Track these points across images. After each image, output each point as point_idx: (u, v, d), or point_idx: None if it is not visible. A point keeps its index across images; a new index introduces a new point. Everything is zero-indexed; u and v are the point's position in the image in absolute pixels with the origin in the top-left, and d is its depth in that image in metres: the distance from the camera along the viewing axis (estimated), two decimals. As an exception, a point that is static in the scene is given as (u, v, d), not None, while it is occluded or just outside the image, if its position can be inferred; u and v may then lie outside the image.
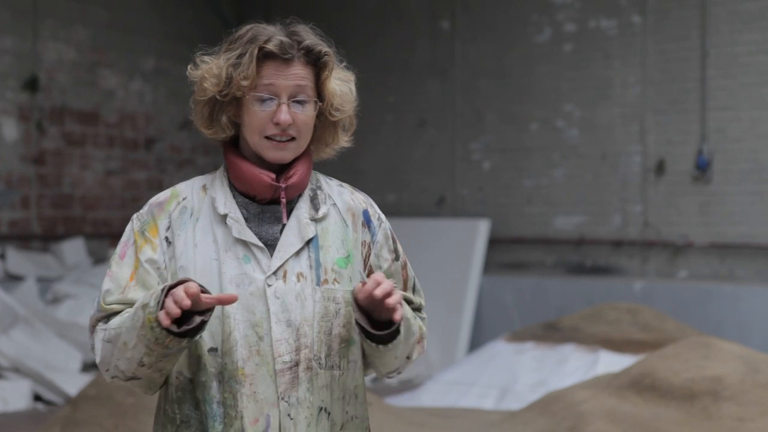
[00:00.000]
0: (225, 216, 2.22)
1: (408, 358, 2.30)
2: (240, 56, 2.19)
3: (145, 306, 2.09)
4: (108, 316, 2.21)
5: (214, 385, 2.18)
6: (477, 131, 10.39)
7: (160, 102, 11.25)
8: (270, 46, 2.18)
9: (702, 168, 9.03)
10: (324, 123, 2.28)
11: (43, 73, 10.23)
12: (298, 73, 2.20)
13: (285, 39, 2.20)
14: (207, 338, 2.18)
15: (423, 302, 2.38)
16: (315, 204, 2.27)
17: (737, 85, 8.91)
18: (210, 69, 2.22)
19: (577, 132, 9.78)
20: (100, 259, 10.48)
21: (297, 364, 2.18)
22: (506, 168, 10.20)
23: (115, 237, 10.64)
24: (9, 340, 8.20)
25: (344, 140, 2.33)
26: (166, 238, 2.23)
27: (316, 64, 2.23)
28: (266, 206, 2.24)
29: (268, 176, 2.22)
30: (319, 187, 2.31)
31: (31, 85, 10.14)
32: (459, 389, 7.84)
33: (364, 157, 10.83)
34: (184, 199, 2.26)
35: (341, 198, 2.32)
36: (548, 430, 5.49)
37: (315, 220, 2.25)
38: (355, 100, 2.30)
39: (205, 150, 11.58)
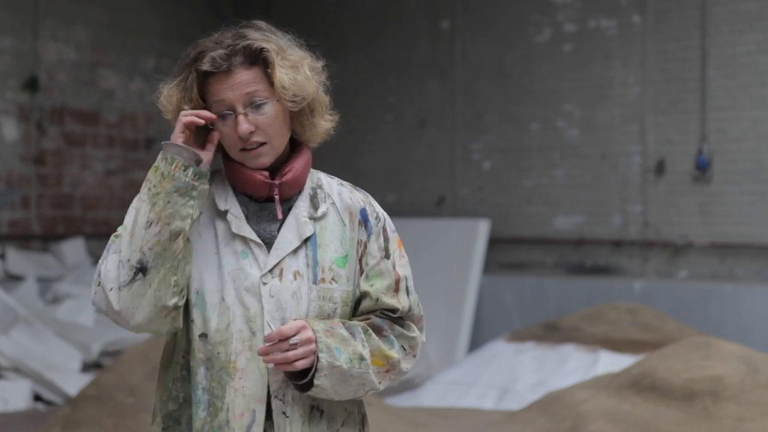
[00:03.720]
0: (225, 212, 2.24)
1: (374, 389, 2.25)
2: (183, 80, 2.23)
3: (145, 182, 2.18)
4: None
5: (201, 371, 2.20)
6: (477, 131, 10.39)
7: (160, 102, 11.25)
8: (203, 67, 2.19)
9: (702, 168, 9.03)
10: (292, 114, 2.27)
11: (43, 73, 10.23)
12: (243, 80, 2.19)
13: (217, 52, 2.19)
14: (199, 323, 2.20)
15: (413, 306, 2.32)
16: (314, 203, 2.29)
17: (737, 85, 8.90)
18: (161, 101, 2.26)
19: (577, 132, 9.78)
20: (99, 259, 10.47)
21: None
22: (506, 168, 10.20)
23: (115, 237, 10.63)
24: (9, 340, 8.20)
25: (326, 121, 2.31)
26: None
27: (257, 61, 2.21)
28: (265, 204, 2.26)
29: (261, 175, 2.23)
30: (320, 186, 2.32)
31: (31, 85, 10.14)
32: (459, 389, 7.84)
33: (364, 157, 10.83)
34: None
35: (340, 197, 2.32)
36: (548, 430, 5.49)
37: (314, 219, 2.27)
38: (312, 80, 2.24)
39: (205, 150, 11.57)
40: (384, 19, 11.02)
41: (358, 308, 2.30)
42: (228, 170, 2.28)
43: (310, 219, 2.26)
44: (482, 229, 9.96)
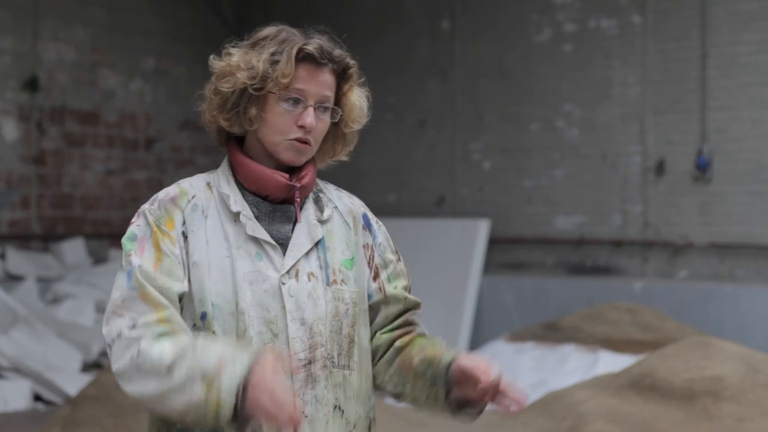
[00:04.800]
0: (238, 214, 2.22)
1: None
2: (275, 53, 2.20)
3: (210, 383, 2.02)
4: (138, 314, 2.11)
5: None
6: (477, 131, 10.39)
7: (160, 102, 11.25)
8: (310, 48, 2.21)
9: (702, 168, 9.03)
10: (336, 134, 2.32)
11: (43, 73, 10.23)
12: (327, 81, 2.24)
13: (323, 44, 2.24)
14: (220, 334, 2.17)
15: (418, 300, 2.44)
16: (319, 206, 2.31)
17: (737, 85, 8.90)
18: (248, 60, 2.20)
19: (577, 132, 9.78)
20: (100, 259, 10.48)
21: (311, 362, 2.20)
22: (506, 168, 10.20)
23: (115, 237, 10.64)
24: (9, 340, 8.20)
25: (345, 154, 2.40)
26: (183, 233, 2.21)
27: (342, 74, 2.28)
28: (277, 205, 2.26)
29: (282, 176, 2.23)
30: (321, 191, 2.35)
31: (31, 85, 10.14)
32: (459, 389, 7.84)
33: (364, 157, 10.83)
34: (193, 196, 2.25)
35: (341, 201, 2.36)
36: (548, 430, 5.49)
37: (321, 222, 2.28)
38: (366, 117, 2.35)
39: (205, 150, 11.58)
40: (384, 19, 11.02)
41: (371, 310, 2.33)
42: (240, 169, 2.25)
43: (318, 222, 2.28)
44: (482, 229, 9.95)
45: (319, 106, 2.23)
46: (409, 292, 2.39)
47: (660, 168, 9.32)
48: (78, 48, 10.53)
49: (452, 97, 10.56)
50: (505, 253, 10.19)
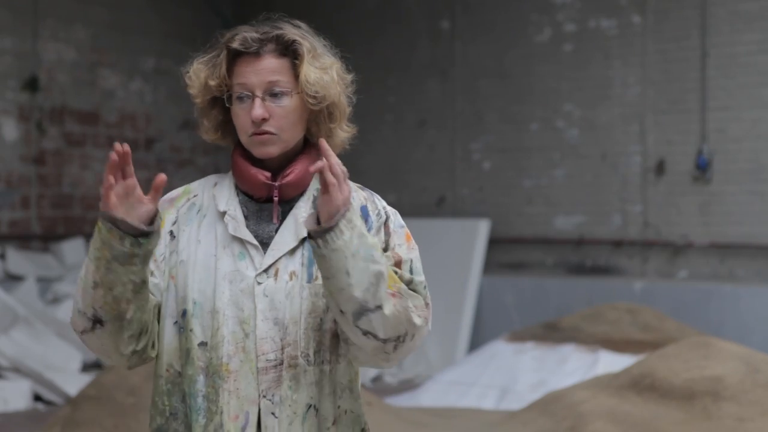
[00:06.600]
0: (224, 213, 2.24)
1: (380, 307, 2.11)
2: (214, 57, 2.23)
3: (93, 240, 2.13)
4: None
5: (201, 378, 2.19)
6: (477, 131, 10.39)
7: (160, 102, 11.25)
8: (234, 44, 2.20)
9: (702, 168, 9.03)
10: (310, 114, 2.25)
11: (43, 73, 10.23)
12: (270, 67, 2.20)
13: (250, 34, 2.20)
14: (198, 332, 2.20)
15: (416, 281, 2.22)
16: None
17: (737, 85, 8.90)
18: (190, 77, 2.26)
19: (577, 132, 9.78)
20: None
21: (282, 363, 2.18)
22: (506, 168, 10.20)
23: (115, 237, 10.64)
24: (9, 340, 8.20)
25: (342, 131, 2.30)
26: (171, 232, 2.26)
27: (288, 53, 2.21)
28: (265, 204, 2.25)
29: (263, 175, 2.23)
30: None
31: (31, 85, 10.14)
32: (459, 389, 7.85)
33: (364, 157, 10.83)
34: (194, 196, 2.30)
35: None
36: (548, 430, 5.49)
37: None
38: (337, 84, 2.24)
39: (205, 150, 11.58)
40: (384, 19, 11.02)
41: None
42: (233, 167, 2.28)
43: None
44: (482, 229, 9.96)
45: (270, 93, 2.20)
46: (400, 269, 2.22)
47: (660, 168, 9.32)
48: (78, 48, 10.53)
49: (452, 97, 10.56)
50: (505, 253, 10.20)
